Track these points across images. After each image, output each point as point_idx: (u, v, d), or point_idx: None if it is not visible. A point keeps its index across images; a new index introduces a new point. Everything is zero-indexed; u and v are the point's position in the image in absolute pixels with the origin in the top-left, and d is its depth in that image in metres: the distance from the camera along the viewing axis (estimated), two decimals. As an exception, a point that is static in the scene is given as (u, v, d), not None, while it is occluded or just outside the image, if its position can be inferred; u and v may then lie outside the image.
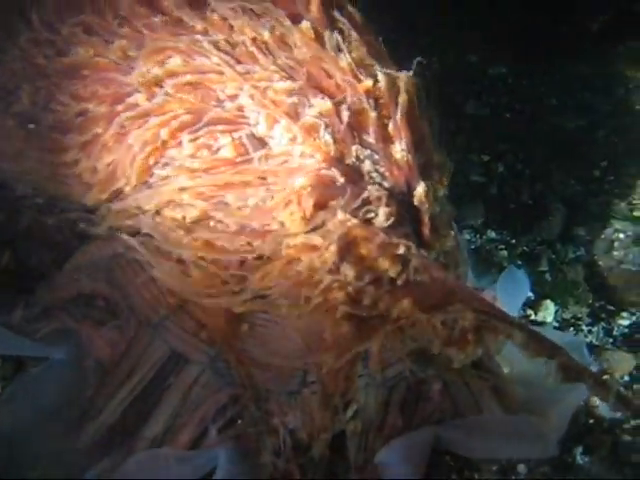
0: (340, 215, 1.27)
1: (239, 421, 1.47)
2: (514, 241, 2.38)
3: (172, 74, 1.51)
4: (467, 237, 2.38)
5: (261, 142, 1.40)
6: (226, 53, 1.48)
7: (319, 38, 1.45)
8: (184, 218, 1.41)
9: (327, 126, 1.34)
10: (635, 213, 2.44)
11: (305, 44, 1.42)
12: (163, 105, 1.49)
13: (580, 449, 1.60)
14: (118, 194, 1.55)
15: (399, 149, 1.35)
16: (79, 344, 1.57)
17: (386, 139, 1.39)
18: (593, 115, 2.97)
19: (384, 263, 1.33)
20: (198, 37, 1.50)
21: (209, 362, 1.50)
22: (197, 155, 1.45)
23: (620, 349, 1.91)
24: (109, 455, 1.46)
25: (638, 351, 1.90)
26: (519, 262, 2.27)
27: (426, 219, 1.35)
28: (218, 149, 1.45)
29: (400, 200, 1.38)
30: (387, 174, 1.37)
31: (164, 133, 1.47)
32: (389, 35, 1.60)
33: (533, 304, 2.08)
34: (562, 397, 1.53)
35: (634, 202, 2.49)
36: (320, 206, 1.30)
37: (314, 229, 1.30)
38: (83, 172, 1.55)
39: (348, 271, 1.32)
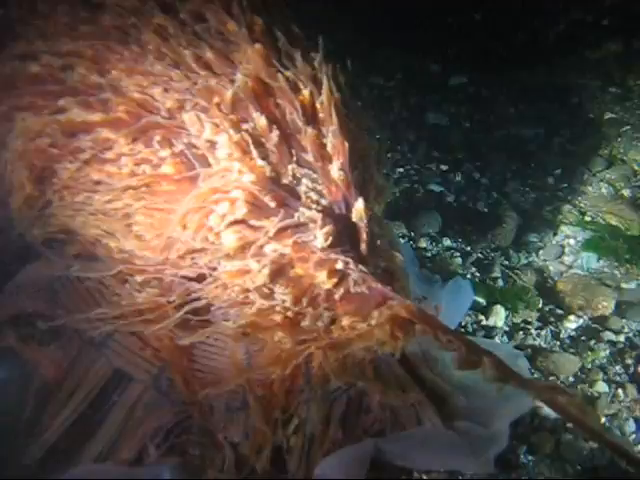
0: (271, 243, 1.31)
1: (183, 438, 1.50)
2: (469, 248, 2.43)
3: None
4: (424, 245, 2.42)
5: (203, 158, 1.40)
6: (170, 65, 1.47)
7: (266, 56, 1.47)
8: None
9: (259, 145, 1.36)
10: (585, 218, 2.50)
11: (252, 60, 1.43)
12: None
13: (524, 448, 1.65)
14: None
15: (337, 166, 1.38)
16: (21, 364, 1.59)
17: (324, 156, 1.42)
18: (549, 124, 3.03)
19: (321, 278, 1.37)
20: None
21: (152, 380, 1.52)
22: (137, 171, 1.43)
23: (566, 351, 1.95)
24: (53, 472, 1.47)
25: (583, 353, 1.95)
26: (473, 269, 2.32)
27: (364, 235, 1.38)
28: (158, 164, 1.43)
29: (338, 217, 1.42)
30: (325, 192, 1.40)
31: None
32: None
33: (484, 309, 2.12)
34: (502, 406, 1.58)
35: (585, 208, 2.55)
36: (250, 224, 1.33)
37: (247, 249, 1.33)
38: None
39: (284, 296, 1.35)
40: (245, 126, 1.39)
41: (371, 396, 1.54)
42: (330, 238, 1.36)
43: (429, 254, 2.40)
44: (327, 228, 1.35)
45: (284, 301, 1.36)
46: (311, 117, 1.43)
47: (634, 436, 1.73)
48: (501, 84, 3.35)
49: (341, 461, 1.45)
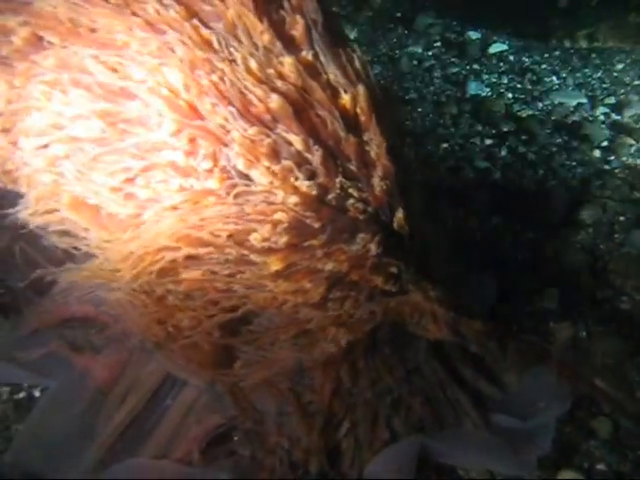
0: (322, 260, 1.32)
1: (237, 442, 1.54)
2: (518, 227, 2.40)
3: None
4: (474, 223, 2.40)
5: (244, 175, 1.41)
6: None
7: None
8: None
9: (303, 164, 1.36)
10: (635, 194, 2.45)
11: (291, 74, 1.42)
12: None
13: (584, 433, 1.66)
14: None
15: (379, 174, 1.37)
16: (74, 370, 1.63)
17: (367, 163, 1.41)
18: (593, 92, 2.96)
19: (378, 280, 1.37)
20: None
21: (206, 385, 1.55)
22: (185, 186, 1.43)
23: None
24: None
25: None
26: (523, 249, 2.29)
27: (406, 242, 1.39)
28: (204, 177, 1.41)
29: (384, 223, 1.42)
30: (370, 199, 1.40)
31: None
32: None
33: (538, 292, 2.09)
34: (540, 398, 1.61)
35: (634, 182, 2.49)
36: (295, 246, 1.33)
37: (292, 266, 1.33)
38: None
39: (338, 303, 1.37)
40: (284, 152, 1.38)
41: (415, 396, 1.56)
42: (381, 246, 1.36)
43: (479, 233, 2.37)
44: (378, 237, 1.36)
45: (338, 308, 1.38)
46: (352, 123, 1.42)
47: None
48: (543, 51, 3.27)
49: (391, 458, 1.48)
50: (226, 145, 1.37)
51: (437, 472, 1.58)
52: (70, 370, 1.66)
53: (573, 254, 2.23)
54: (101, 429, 1.59)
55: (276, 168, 1.32)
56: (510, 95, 3.12)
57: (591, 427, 1.69)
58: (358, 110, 1.45)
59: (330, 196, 1.36)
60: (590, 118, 2.88)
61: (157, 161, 1.42)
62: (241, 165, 1.33)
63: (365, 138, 1.42)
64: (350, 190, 1.40)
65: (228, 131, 1.36)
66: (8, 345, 1.70)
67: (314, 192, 1.35)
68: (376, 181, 1.39)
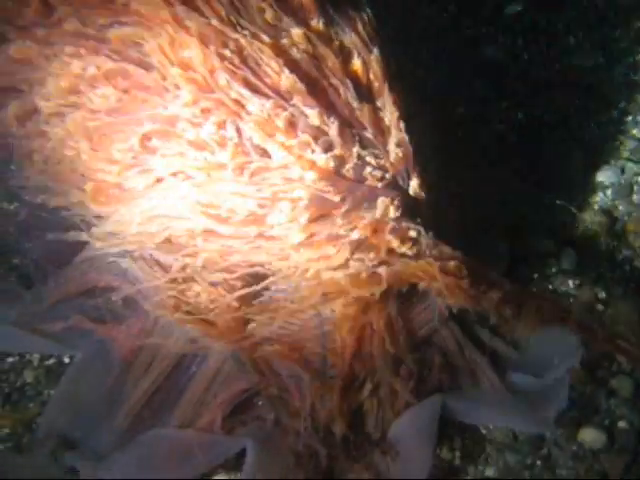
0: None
1: (260, 408, 1.58)
2: (535, 190, 2.38)
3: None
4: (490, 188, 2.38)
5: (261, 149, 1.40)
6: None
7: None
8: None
9: (318, 138, 1.36)
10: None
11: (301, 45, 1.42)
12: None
13: (604, 392, 1.69)
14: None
15: (395, 141, 1.38)
16: (98, 340, 1.68)
17: (383, 130, 1.42)
18: (611, 52, 2.91)
19: (396, 244, 1.39)
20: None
21: (230, 351, 1.58)
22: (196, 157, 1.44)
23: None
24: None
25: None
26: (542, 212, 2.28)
27: (423, 207, 1.40)
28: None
29: (402, 189, 1.43)
30: (387, 165, 1.41)
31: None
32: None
33: (555, 253, 2.10)
34: (554, 354, 1.64)
35: (653, 143, 2.47)
36: (316, 219, 1.35)
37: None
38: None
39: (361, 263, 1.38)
40: (301, 124, 1.38)
41: (433, 357, 1.60)
42: (400, 209, 1.37)
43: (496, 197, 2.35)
44: (397, 201, 1.37)
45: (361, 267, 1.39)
46: (365, 89, 1.43)
47: None
48: (558, 11, 3.21)
49: (414, 419, 1.51)
50: (242, 119, 1.38)
51: (460, 432, 1.61)
52: (94, 340, 1.71)
53: (591, 216, 2.23)
54: (128, 396, 1.63)
55: (293, 142, 1.33)
56: (526, 57, 3.07)
57: (612, 386, 1.70)
58: (371, 76, 1.45)
59: (348, 166, 1.37)
60: (608, 79, 2.84)
61: (172, 133, 1.43)
62: (257, 139, 1.34)
63: (379, 104, 1.42)
64: (367, 158, 1.42)
65: (243, 105, 1.37)
66: (31, 316, 1.73)
67: (331, 165, 1.36)
68: (392, 147, 1.40)
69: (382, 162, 1.39)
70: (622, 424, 1.61)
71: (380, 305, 1.49)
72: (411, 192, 1.39)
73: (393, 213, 1.36)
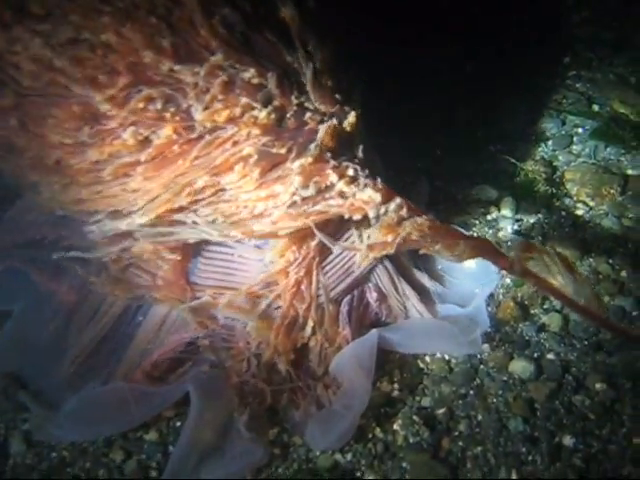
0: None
1: (204, 352, 1.65)
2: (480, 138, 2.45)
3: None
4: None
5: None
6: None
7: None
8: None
9: (257, 94, 1.37)
10: (593, 107, 2.52)
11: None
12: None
13: (535, 327, 1.80)
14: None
15: (328, 83, 1.44)
16: (38, 291, 1.71)
17: (316, 73, 1.46)
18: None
19: (335, 178, 1.45)
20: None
21: (173, 303, 1.64)
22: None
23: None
24: (85, 386, 1.63)
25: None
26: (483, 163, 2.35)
27: (357, 142, 1.46)
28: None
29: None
30: (322, 108, 1.46)
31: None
32: None
33: (495, 201, 2.18)
34: (475, 286, 1.83)
35: (593, 96, 2.55)
36: (267, 172, 1.41)
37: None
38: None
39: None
40: (240, 77, 1.39)
41: (369, 293, 1.70)
42: (333, 140, 1.43)
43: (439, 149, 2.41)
44: (331, 129, 1.42)
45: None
46: (296, 37, 1.46)
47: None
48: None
49: (353, 354, 1.59)
50: (181, 91, 1.38)
51: (399, 367, 1.70)
52: (33, 293, 1.74)
53: (532, 165, 2.31)
54: (72, 344, 1.68)
55: (235, 108, 1.37)
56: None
57: (543, 322, 1.81)
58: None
59: (289, 114, 1.41)
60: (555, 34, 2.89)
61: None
62: (198, 112, 1.37)
63: (310, 48, 1.46)
64: (306, 104, 1.46)
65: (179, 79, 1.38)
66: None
67: (272, 117, 1.40)
68: (324, 89, 1.45)
69: (319, 106, 1.44)
70: (550, 356, 1.71)
71: (317, 247, 1.58)
72: (347, 127, 1.44)
73: (327, 142, 1.41)
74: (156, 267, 1.62)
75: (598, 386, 1.63)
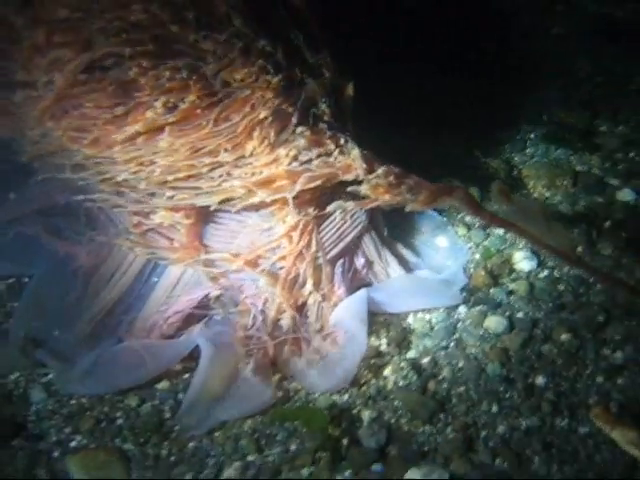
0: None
1: (216, 306, 1.80)
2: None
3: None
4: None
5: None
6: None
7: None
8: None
9: (268, 62, 1.58)
10: (543, 117, 2.79)
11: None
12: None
13: (505, 291, 2.01)
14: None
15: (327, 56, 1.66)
16: (56, 256, 1.84)
17: (317, 49, 1.68)
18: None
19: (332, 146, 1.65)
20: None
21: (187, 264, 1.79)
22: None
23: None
24: (101, 344, 1.75)
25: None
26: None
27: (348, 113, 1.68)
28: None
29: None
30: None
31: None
32: None
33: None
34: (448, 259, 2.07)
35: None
36: (277, 133, 1.59)
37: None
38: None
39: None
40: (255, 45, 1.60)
41: (357, 259, 1.89)
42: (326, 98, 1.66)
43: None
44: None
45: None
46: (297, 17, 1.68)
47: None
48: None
49: (349, 307, 1.77)
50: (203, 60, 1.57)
51: (385, 326, 1.87)
52: (52, 257, 1.87)
53: (493, 163, 2.54)
54: (89, 305, 1.81)
55: (252, 68, 1.56)
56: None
57: (511, 288, 2.01)
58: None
59: (295, 80, 1.62)
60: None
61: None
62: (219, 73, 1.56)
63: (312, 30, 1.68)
64: (307, 80, 1.67)
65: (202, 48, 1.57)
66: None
67: (282, 83, 1.60)
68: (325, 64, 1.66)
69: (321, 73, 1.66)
70: (520, 315, 1.91)
71: (314, 213, 1.75)
72: (348, 91, 1.65)
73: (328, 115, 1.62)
74: (173, 231, 1.76)
75: (564, 337, 1.83)
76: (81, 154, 1.65)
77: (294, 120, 1.61)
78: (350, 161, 1.61)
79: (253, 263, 1.77)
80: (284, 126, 1.59)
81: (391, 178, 1.61)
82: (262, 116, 1.58)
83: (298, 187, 1.61)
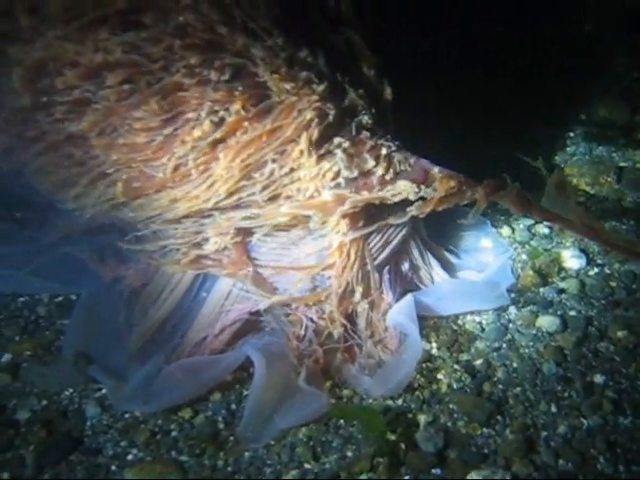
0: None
1: (265, 321, 1.80)
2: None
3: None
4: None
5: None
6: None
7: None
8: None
9: (311, 71, 1.56)
10: (581, 116, 2.75)
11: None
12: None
13: (555, 290, 2.00)
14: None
15: (366, 67, 1.65)
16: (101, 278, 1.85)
17: (356, 57, 1.68)
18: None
19: (372, 163, 1.63)
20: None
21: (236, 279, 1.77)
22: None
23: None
24: (152, 361, 1.74)
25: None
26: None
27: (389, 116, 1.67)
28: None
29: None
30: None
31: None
32: None
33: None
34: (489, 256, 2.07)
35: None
36: (324, 140, 1.59)
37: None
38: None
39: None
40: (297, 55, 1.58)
41: (403, 264, 1.89)
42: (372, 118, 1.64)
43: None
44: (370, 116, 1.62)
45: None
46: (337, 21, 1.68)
47: None
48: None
49: (401, 311, 1.76)
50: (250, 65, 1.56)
51: (435, 329, 1.85)
52: (98, 278, 1.88)
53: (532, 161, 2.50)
54: (138, 322, 1.82)
55: (298, 74, 1.54)
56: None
57: (562, 287, 1.97)
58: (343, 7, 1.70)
59: (338, 88, 1.62)
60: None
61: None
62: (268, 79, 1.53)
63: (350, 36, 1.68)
64: (346, 86, 1.66)
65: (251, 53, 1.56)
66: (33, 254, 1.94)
67: (327, 91, 1.60)
68: (365, 69, 1.65)
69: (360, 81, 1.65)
70: (572, 313, 1.87)
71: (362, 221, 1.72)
72: (387, 95, 1.64)
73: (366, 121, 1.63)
74: (221, 251, 1.75)
75: (620, 334, 1.79)
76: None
77: (335, 128, 1.61)
78: (399, 187, 1.61)
79: (303, 274, 1.76)
80: (327, 132, 1.58)
81: (452, 184, 1.60)
82: (309, 117, 1.57)
83: (346, 207, 1.61)
